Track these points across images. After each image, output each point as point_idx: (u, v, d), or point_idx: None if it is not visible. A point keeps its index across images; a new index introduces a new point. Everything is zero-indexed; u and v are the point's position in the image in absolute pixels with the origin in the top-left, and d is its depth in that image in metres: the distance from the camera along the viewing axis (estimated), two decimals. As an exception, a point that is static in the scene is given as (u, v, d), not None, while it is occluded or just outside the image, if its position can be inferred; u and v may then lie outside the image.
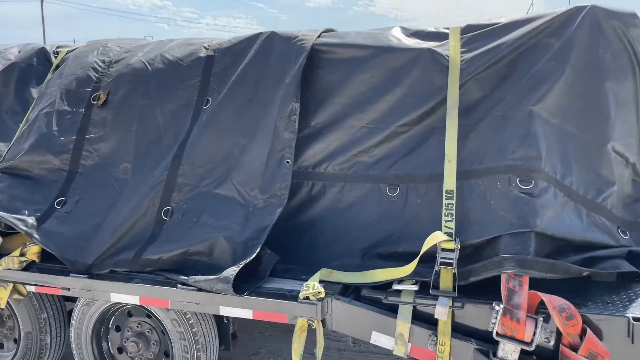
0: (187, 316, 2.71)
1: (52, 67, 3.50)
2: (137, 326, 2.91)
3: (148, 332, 2.89)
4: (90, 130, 3.12)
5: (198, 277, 2.47)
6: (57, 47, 3.68)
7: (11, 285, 2.83)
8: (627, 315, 2.00)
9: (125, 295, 2.66)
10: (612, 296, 2.19)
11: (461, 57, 2.65)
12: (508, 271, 2.10)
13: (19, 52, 3.64)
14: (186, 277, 2.50)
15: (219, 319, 2.85)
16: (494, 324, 2.05)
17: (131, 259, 2.66)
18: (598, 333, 2.01)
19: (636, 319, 1.97)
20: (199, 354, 2.76)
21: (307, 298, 2.30)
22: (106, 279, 2.67)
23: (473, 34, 2.73)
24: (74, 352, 2.98)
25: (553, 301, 2.00)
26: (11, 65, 3.54)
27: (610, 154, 2.51)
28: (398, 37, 2.84)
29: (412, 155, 2.67)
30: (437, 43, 2.76)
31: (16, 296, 2.87)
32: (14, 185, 3.01)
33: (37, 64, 3.56)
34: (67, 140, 3.11)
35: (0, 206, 2.88)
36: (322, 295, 2.29)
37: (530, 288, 2.09)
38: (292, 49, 2.93)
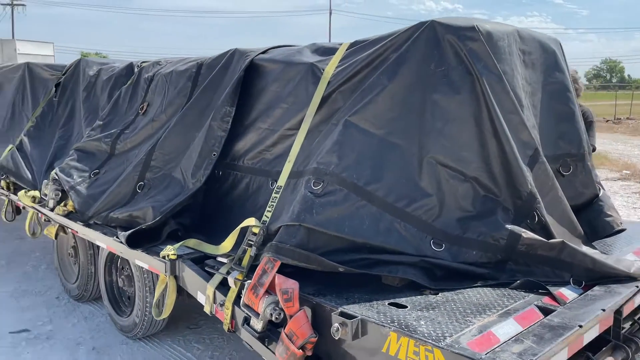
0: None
1: (130, 80, 4.77)
2: (126, 267, 3.97)
3: (130, 273, 3.92)
4: (127, 129, 4.28)
5: (122, 233, 3.38)
6: (142, 62, 4.98)
7: (57, 225, 4.19)
8: (337, 308, 2.18)
9: (101, 242, 3.73)
10: (361, 291, 2.34)
11: (334, 71, 2.96)
12: (268, 255, 2.46)
13: (118, 65, 5.06)
14: (120, 233, 3.44)
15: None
16: (242, 296, 2.45)
17: (104, 216, 3.72)
18: (319, 320, 2.25)
19: (342, 314, 2.14)
20: (147, 293, 3.66)
21: (166, 258, 3.00)
22: (92, 228, 3.78)
23: (352, 49, 3.00)
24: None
25: (282, 283, 2.30)
26: (110, 76, 4.98)
27: (435, 167, 2.55)
28: (302, 53, 3.26)
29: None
30: (324, 58, 3.10)
31: (62, 233, 4.23)
32: (77, 159, 4.35)
33: (125, 75, 4.91)
34: (115, 133, 4.34)
35: (62, 171, 4.26)
36: (173, 257, 2.96)
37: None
38: (240, 63, 3.60)
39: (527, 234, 2.46)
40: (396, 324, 2.02)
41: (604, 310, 2.14)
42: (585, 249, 2.56)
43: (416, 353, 1.91)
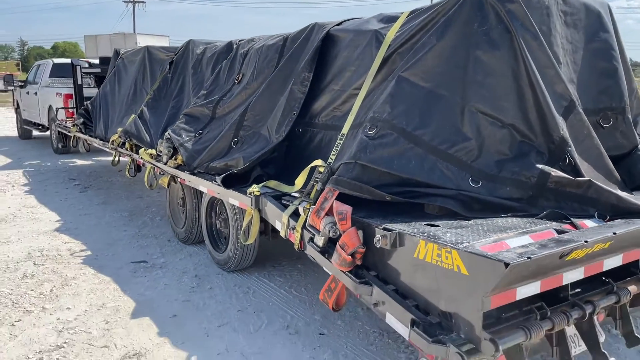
0: (234, 206, 4.34)
1: (229, 56, 5.50)
2: (223, 212, 4.71)
3: (226, 216, 4.65)
4: (225, 96, 5.02)
5: (218, 176, 4.08)
6: (239, 40, 5.69)
7: (169, 175, 5.03)
8: (380, 225, 2.66)
9: (202, 187, 4.48)
10: (404, 217, 2.79)
11: (395, 35, 3.41)
12: (329, 185, 2.99)
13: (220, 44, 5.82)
14: (216, 177, 4.15)
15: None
16: (307, 218, 3.00)
17: (205, 166, 4.46)
18: (368, 237, 2.74)
19: (384, 229, 2.62)
20: (239, 232, 4.35)
21: (251, 194, 3.64)
22: (196, 176, 4.55)
23: (411, 16, 3.43)
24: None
25: (338, 207, 2.83)
26: (213, 53, 5.76)
27: (476, 115, 2.92)
28: (369, 22, 3.73)
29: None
30: (387, 25, 3.55)
31: (173, 183, 5.08)
32: (185, 122, 5.15)
33: (225, 52, 5.65)
34: (216, 99, 5.09)
35: (174, 132, 5.07)
36: (257, 193, 3.60)
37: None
38: (318, 34, 4.14)
39: (555, 172, 2.77)
40: (426, 235, 2.47)
41: (615, 233, 2.43)
42: (614, 189, 2.81)
43: (439, 255, 2.35)
